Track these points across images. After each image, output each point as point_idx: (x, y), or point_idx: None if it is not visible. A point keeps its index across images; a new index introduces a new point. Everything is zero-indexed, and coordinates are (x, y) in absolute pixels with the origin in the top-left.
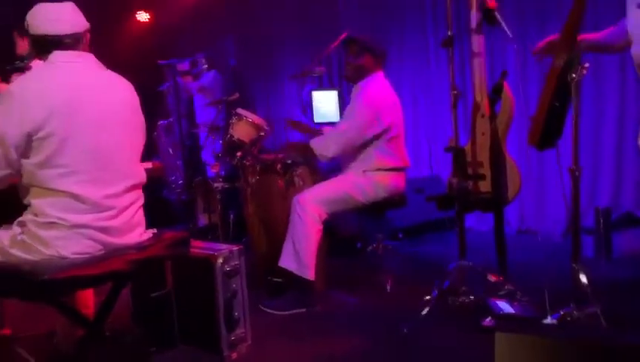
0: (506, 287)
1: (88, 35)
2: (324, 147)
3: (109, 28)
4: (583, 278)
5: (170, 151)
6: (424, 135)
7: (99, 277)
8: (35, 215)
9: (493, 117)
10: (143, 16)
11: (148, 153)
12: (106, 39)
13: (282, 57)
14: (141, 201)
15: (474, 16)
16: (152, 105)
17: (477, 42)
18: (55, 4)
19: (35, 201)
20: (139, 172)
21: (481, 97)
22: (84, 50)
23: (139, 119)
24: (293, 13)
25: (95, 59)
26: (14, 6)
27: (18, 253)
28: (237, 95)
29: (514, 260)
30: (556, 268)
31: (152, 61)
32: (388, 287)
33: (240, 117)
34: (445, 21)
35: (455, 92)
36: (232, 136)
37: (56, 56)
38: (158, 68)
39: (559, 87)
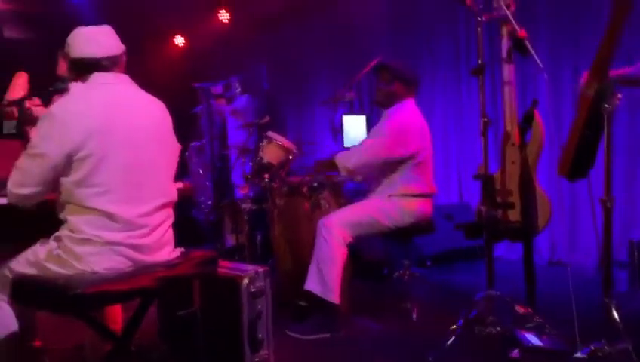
0: (534, 319)
1: (124, 58)
2: (346, 159)
3: (146, 51)
4: (615, 313)
5: (201, 171)
6: (455, 162)
7: (128, 292)
8: (71, 231)
9: (523, 146)
10: (179, 41)
11: (179, 173)
12: (144, 62)
13: (314, 82)
14: (171, 220)
15: (504, 45)
16: (185, 126)
17: (507, 71)
18: (93, 27)
19: (72, 218)
20: (171, 190)
21: (512, 126)
22: (120, 72)
23: (171, 139)
24: (326, 40)
25: (130, 80)
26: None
27: (53, 267)
28: (268, 118)
29: (544, 291)
30: (587, 301)
31: (187, 84)
32: (414, 315)
33: (270, 139)
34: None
35: (485, 119)
36: (261, 158)
37: (95, 77)
38: (193, 90)
39: (591, 116)
